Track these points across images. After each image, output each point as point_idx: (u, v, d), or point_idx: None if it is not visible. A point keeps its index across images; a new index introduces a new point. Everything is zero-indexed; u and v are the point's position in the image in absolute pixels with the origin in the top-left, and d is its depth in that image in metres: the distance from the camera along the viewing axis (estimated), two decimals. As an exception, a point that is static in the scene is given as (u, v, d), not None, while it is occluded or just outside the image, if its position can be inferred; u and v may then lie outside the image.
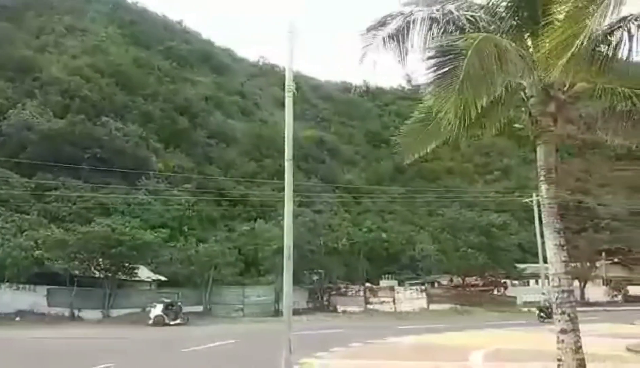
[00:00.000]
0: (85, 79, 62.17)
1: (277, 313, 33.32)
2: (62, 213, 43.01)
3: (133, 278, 37.60)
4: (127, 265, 35.97)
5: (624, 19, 7.82)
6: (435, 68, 7.30)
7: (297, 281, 32.75)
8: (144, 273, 38.89)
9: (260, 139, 70.41)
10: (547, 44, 8.28)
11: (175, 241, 41.23)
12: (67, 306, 33.32)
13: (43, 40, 70.90)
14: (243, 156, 68.59)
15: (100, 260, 34.75)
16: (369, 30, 8.97)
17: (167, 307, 30.88)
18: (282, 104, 10.54)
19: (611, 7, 7.34)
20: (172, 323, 29.99)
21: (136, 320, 31.33)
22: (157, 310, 30.48)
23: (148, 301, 33.50)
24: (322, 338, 20.92)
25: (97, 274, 35.32)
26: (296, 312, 30.63)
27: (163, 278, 39.50)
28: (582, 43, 7.69)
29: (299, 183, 52.08)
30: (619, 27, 7.96)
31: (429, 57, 7.53)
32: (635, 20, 7.70)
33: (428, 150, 9.98)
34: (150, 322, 29.92)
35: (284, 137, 10.34)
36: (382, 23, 8.94)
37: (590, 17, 7.71)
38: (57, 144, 48.26)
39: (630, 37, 7.80)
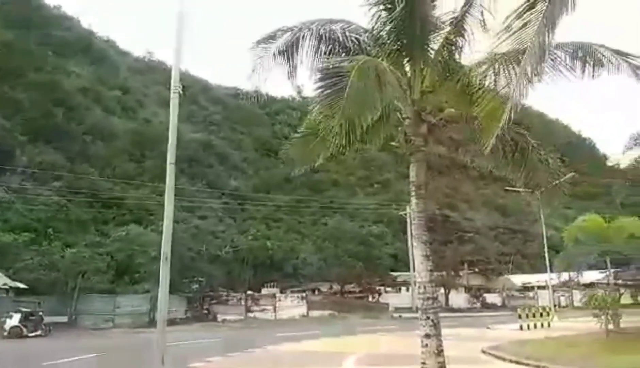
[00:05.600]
0: (-62, 58, 54.75)
1: (152, 323, 31.71)
2: None
3: (-14, 286, 33.58)
4: (-22, 270, 32.12)
5: (491, 54, 8.56)
6: (322, 88, 7.50)
7: (175, 289, 31.95)
8: (0, 279, 34.92)
9: (142, 138, 66.78)
10: (424, 80, 8.97)
11: (38, 245, 37.59)
12: None
13: None
14: (122, 156, 64.62)
15: (-55, 264, 30.75)
16: (259, 43, 9.05)
17: (26, 317, 28.29)
18: (168, 104, 10.20)
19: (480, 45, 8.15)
20: (31, 334, 27.54)
21: (-13, 332, 28.14)
22: (14, 320, 27.79)
23: (3, 311, 30.15)
24: (199, 348, 20.41)
25: (-60, 280, 31.14)
26: (173, 322, 29.78)
27: (22, 286, 35.76)
28: (453, 78, 8.46)
29: (183, 187, 50.58)
30: (485, 62, 8.75)
31: (318, 78, 7.73)
32: (500, 57, 8.38)
33: (316, 163, 10.27)
34: (6, 333, 27.22)
35: (168, 138, 10.02)
36: (273, 37, 9.09)
37: (460, 52, 8.50)
38: None
39: (496, 72, 8.52)
